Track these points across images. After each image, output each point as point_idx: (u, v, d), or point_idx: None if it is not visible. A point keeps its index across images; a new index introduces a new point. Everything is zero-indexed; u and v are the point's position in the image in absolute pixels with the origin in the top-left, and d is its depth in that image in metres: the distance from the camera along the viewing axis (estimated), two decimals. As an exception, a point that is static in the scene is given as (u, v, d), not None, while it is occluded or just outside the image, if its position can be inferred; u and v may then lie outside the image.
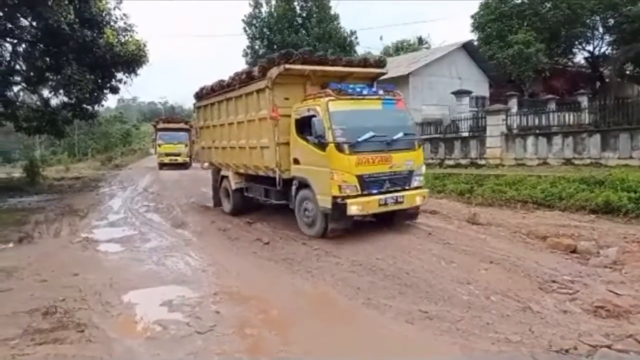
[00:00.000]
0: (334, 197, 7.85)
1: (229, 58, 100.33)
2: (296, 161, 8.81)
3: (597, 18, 22.47)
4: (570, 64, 25.82)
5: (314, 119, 7.91)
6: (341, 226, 8.16)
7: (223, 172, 12.18)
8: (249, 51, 29.82)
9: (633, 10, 20.36)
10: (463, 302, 5.52)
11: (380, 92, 8.59)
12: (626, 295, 5.52)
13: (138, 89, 47.93)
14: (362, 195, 7.94)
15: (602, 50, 24.40)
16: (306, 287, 6.33)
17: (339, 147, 7.78)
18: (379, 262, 6.88)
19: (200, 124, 13.35)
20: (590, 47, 24.67)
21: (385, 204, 8.11)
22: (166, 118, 33.72)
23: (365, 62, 9.60)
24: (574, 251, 7.38)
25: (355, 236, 8.19)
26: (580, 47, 25.02)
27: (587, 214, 9.77)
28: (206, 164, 13.52)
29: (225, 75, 11.40)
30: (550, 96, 18.22)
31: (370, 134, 8.05)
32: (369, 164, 7.97)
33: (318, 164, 8.13)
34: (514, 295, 5.66)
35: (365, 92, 8.44)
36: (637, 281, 6.01)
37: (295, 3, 28.54)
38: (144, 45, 16.67)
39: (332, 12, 28.80)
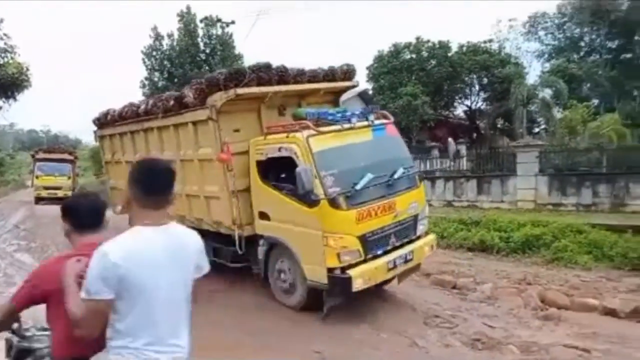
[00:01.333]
0: (331, 270, 5.75)
1: (125, 88, 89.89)
2: (264, 215, 6.54)
3: (474, 77, 25.47)
4: (451, 115, 28.82)
5: (299, 168, 5.65)
6: (340, 301, 6.09)
7: (146, 221, 9.41)
8: (147, 82, 27.72)
9: (503, 72, 23.66)
10: (356, 340, 5.68)
11: (371, 116, 6.54)
12: (499, 328, 6.16)
13: (17, 114, 42.18)
14: (366, 260, 5.92)
15: (478, 105, 27.54)
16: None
17: (333, 202, 5.66)
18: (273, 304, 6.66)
19: (107, 158, 10.32)
20: (468, 102, 27.66)
21: (395, 267, 6.16)
22: (48, 148, 29.99)
23: (332, 74, 7.47)
24: (454, 287, 7.94)
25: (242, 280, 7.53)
26: (460, 101, 28.03)
27: (466, 252, 10.50)
28: (119, 207, 10.56)
29: (120, 104, 8.86)
30: (434, 144, 19.94)
31: (369, 176, 6.02)
32: (372, 217, 5.95)
33: (302, 223, 5.95)
34: (403, 331, 5.92)
35: (353, 119, 6.35)
36: (507, 314, 6.74)
37: (199, 39, 27.63)
38: (27, 69, 15.14)
39: (237, 52, 28.27)
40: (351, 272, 5.73)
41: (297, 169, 5.61)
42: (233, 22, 27.13)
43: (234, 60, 26.62)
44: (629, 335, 6.05)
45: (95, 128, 10.48)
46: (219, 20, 27.12)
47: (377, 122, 6.62)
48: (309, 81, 7.15)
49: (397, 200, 6.23)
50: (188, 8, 26.78)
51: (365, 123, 6.46)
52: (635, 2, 26.47)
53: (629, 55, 28.17)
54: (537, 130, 25.11)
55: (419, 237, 6.64)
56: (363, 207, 5.87)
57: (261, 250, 6.74)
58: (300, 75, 7.06)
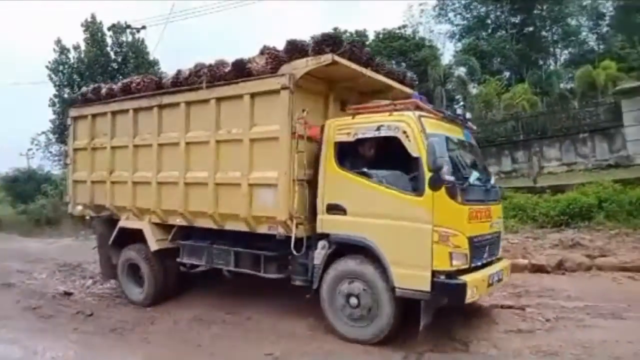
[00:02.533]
0: (436, 274, 4.75)
1: (32, 108, 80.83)
2: (335, 209, 5.44)
3: (393, 62, 26.66)
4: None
5: (431, 140, 4.77)
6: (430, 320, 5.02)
7: (126, 223, 7.60)
8: (56, 100, 25.28)
9: (419, 56, 24.95)
10: (307, 336, 5.66)
11: (467, 115, 5.96)
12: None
13: None
14: (470, 269, 5.01)
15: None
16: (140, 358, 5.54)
17: (451, 191, 4.81)
18: (220, 313, 6.61)
19: (78, 144, 8.42)
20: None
21: (491, 284, 5.32)
22: None
23: (403, 76, 6.89)
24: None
25: (188, 291, 7.64)
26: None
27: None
28: (79, 208, 8.52)
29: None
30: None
31: (475, 174, 5.34)
32: (477, 220, 5.16)
33: (400, 215, 4.97)
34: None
35: (446, 111, 5.75)
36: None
37: (109, 48, 26.14)
38: None
39: (151, 58, 27.05)
40: (466, 278, 4.78)
41: (430, 140, 4.74)
42: (144, 27, 25.91)
43: (149, 67, 25.67)
44: (557, 288, 7.04)
45: (74, 107, 8.62)
46: (128, 26, 25.83)
47: (468, 122, 6.08)
48: (386, 76, 6.46)
49: (492, 209, 5.54)
50: (93, 17, 25.16)
51: (460, 120, 5.89)
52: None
53: (531, 29, 31.18)
54: (456, 107, 26.05)
55: (499, 259, 5.90)
56: (472, 207, 5.08)
57: (319, 255, 5.53)
58: (380, 66, 6.38)
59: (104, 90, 7.81)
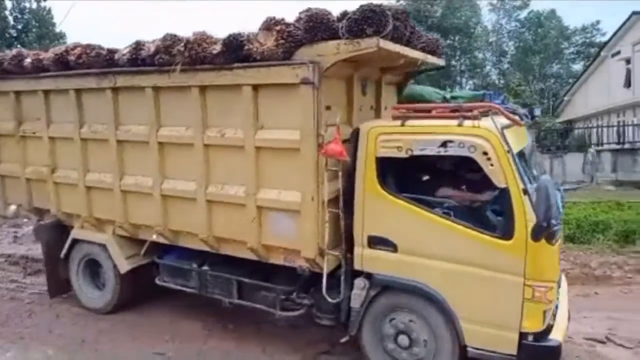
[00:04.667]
0: (524, 336, 3.76)
1: None
2: (380, 243, 4.19)
3: None
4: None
5: (543, 180, 3.52)
6: None
7: (81, 234, 5.97)
8: None
9: None
10: (204, 335, 5.45)
11: (537, 110, 4.68)
12: None
13: None
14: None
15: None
16: (12, 354, 5.11)
17: (550, 235, 3.66)
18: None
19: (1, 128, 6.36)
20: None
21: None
22: None
23: (436, 46, 5.34)
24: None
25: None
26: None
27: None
28: (13, 208, 6.66)
29: None
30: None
31: (559, 195, 4.20)
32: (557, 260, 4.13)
33: (475, 261, 3.83)
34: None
35: (520, 111, 4.44)
36: None
37: (7, 12, 23.37)
38: None
39: (58, 30, 24.30)
40: (557, 336, 3.84)
41: (542, 181, 3.49)
42: None
43: (54, 40, 23.37)
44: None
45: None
46: (32, -10, 22.23)
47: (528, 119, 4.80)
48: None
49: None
50: None
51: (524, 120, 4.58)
52: (446, 10, 32.67)
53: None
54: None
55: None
56: (559, 242, 4.02)
57: (359, 297, 4.35)
58: (419, 39, 4.85)
59: (28, 61, 5.70)
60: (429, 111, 4.20)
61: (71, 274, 6.23)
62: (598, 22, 38.15)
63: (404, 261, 4.10)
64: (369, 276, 4.32)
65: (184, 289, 5.50)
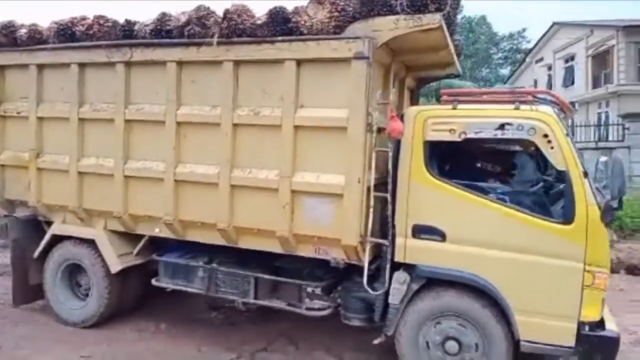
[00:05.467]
0: (582, 326, 3.62)
1: None
2: (427, 232, 3.97)
3: None
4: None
5: (616, 157, 3.48)
6: None
7: (64, 229, 5.28)
8: None
9: None
10: (135, 337, 5.19)
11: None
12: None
13: None
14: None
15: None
16: None
17: (607, 217, 3.62)
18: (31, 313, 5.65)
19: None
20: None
21: None
22: None
23: (461, 47, 5.35)
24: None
25: None
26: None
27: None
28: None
29: None
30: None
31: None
32: None
33: (532, 248, 3.70)
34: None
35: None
36: None
37: None
38: None
39: None
40: (613, 327, 3.72)
41: (616, 156, 3.46)
42: None
43: None
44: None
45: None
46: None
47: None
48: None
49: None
50: None
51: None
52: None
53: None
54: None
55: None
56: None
57: (399, 292, 4.05)
58: (455, 29, 4.82)
59: (23, 32, 5.15)
60: (482, 97, 4.14)
61: (45, 280, 5.44)
62: (524, 29, 41.10)
63: (453, 251, 3.89)
64: (409, 270, 4.05)
65: (186, 289, 4.95)
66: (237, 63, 4.28)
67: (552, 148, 3.64)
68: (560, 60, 25.63)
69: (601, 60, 22.40)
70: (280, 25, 4.07)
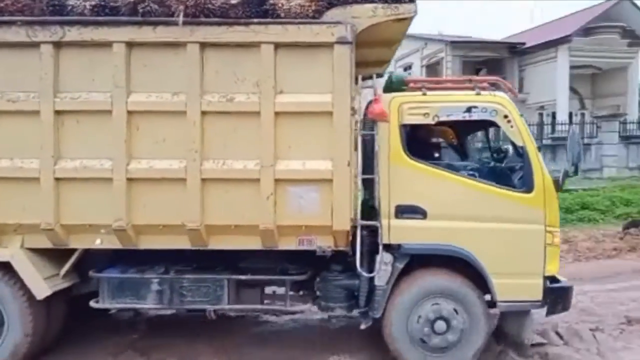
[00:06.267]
0: (548, 279, 4.18)
1: None
2: (409, 212, 4.16)
3: None
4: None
5: (572, 132, 4.01)
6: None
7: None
8: None
9: None
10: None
11: None
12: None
13: None
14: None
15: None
16: None
17: (558, 183, 4.24)
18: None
19: None
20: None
21: None
22: None
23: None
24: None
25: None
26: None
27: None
28: None
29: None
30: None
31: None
32: None
33: (502, 216, 4.15)
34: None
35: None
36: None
37: None
38: None
39: None
40: (564, 278, 4.35)
41: (572, 130, 4.01)
42: None
43: None
44: None
45: None
46: None
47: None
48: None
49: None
50: None
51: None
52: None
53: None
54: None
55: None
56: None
57: (384, 273, 4.16)
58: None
59: None
60: (438, 83, 4.52)
61: None
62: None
63: (434, 227, 4.14)
64: (391, 251, 4.18)
65: (138, 307, 4.32)
66: (204, 45, 3.94)
67: (512, 127, 4.15)
68: (400, 69, 28.77)
69: (433, 70, 25.98)
70: (256, 6, 3.89)
